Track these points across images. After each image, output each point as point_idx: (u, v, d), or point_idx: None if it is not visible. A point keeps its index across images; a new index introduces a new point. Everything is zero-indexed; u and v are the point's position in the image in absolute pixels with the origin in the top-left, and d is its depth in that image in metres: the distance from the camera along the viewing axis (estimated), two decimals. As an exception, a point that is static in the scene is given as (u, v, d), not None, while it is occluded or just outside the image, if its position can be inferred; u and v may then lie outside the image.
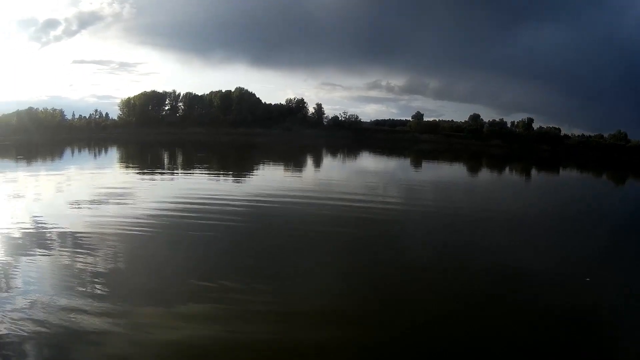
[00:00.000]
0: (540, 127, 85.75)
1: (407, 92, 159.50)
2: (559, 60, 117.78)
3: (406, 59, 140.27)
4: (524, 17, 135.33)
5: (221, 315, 6.08)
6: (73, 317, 5.52)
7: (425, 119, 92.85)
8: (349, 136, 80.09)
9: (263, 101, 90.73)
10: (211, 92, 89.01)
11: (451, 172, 35.52)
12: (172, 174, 21.51)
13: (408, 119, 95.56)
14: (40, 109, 74.83)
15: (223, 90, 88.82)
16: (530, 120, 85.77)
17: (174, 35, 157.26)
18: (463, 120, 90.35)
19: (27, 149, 54.42)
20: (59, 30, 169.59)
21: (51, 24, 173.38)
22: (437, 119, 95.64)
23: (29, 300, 6.14)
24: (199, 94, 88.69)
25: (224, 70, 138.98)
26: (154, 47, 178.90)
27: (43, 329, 5.33)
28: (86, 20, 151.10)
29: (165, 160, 32.21)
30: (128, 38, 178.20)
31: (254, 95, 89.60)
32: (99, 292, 6.31)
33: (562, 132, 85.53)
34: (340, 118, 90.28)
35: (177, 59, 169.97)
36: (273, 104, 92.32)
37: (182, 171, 23.13)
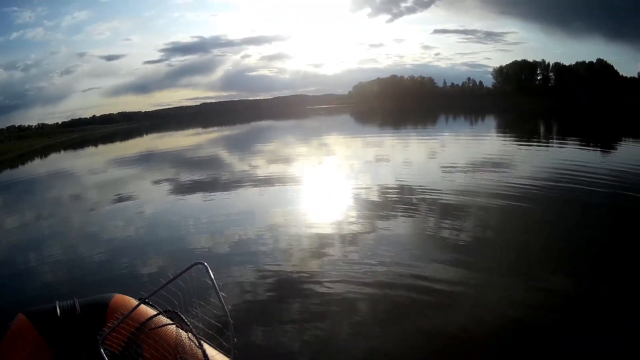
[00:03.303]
0: None
1: None
2: None
3: None
4: None
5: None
6: (419, 282, 5.18)
7: None
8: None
9: (621, 74, 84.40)
10: (577, 63, 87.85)
11: None
12: (547, 144, 19.37)
13: None
14: (406, 77, 75.83)
15: (586, 62, 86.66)
16: None
17: (535, 5, 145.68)
18: None
19: (391, 115, 54.90)
20: (409, 2, 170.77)
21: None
22: None
23: (377, 260, 5.93)
24: (566, 64, 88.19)
25: (583, 41, 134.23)
26: (515, 16, 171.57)
27: (383, 289, 5.07)
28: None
29: (542, 130, 28.93)
30: (488, 8, 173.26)
31: (612, 67, 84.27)
32: (452, 259, 5.81)
33: None
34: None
35: (540, 28, 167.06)
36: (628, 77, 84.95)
37: (557, 141, 20.35)
